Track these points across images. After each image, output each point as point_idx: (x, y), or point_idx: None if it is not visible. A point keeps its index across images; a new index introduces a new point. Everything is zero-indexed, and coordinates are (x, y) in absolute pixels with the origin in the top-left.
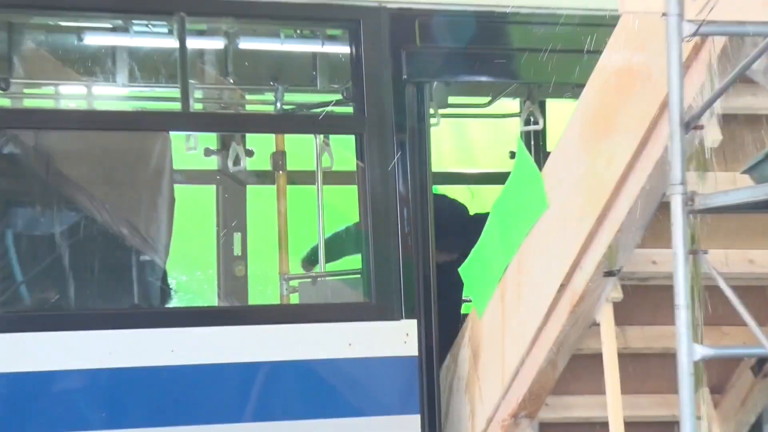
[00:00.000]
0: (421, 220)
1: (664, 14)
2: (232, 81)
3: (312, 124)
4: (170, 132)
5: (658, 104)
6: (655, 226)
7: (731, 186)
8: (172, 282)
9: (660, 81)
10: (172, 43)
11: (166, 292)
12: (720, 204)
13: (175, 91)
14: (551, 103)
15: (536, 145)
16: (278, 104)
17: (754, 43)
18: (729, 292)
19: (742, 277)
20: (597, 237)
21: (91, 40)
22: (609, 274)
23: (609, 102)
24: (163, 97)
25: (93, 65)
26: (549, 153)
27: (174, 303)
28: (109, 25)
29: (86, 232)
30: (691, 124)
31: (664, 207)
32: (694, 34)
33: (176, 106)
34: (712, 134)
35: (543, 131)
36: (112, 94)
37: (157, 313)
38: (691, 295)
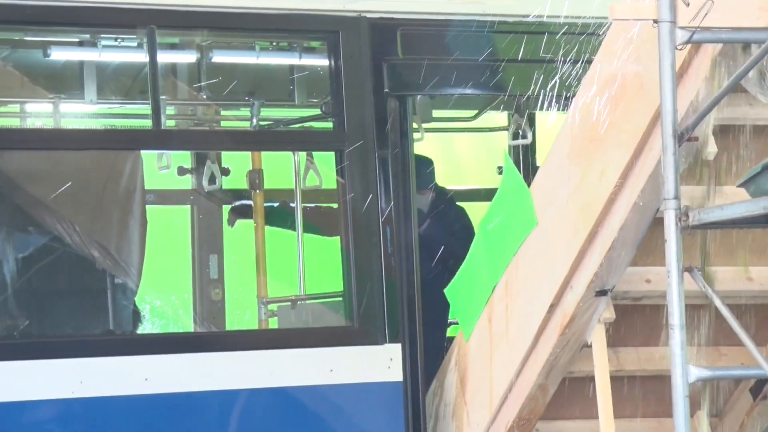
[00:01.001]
0: (405, 239)
1: (655, 21)
2: (205, 96)
3: (290, 140)
4: (141, 150)
5: (651, 116)
6: (648, 242)
7: (727, 200)
8: (145, 307)
9: (652, 91)
10: (143, 57)
11: (139, 318)
12: (715, 219)
13: (146, 108)
14: (540, 116)
15: (525, 160)
16: (254, 120)
17: (749, 51)
18: (725, 312)
19: (740, 295)
20: (588, 255)
21: (58, 55)
22: (601, 293)
23: (599, 114)
24: (133, 114)
25: (60, 81)
26: (538, 168)
27: (148, 329)
28: (76, 40)
29: (54, 256)
30: (684, 136)
31: (658, 223)
32: (687, 42)
33: (147, 123)
34: (707, 146)
35: (532, 145)
36: (80, 112)
37: (129, 339)
38: (687, 315)
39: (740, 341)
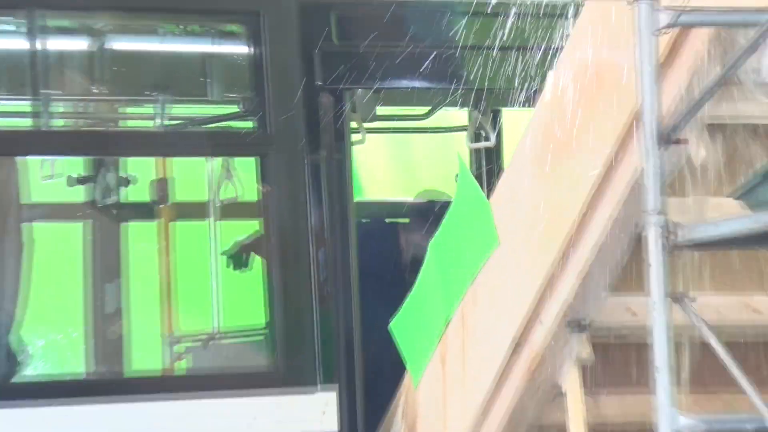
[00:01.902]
0: (342, 263)
1: (631, 1)
2: (100, 91)
3: (202, 144)
4: (19, 156)
5: (630, 113)
6: (631, 266)
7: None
8: (24, 348)
9: (632, 85)
10: (22, 44)
11: (15, 361)
12: (708, 238)
13: (27, 105)
14: (506, 114)
15: (488, 166)
16: (160, 119)
17: (746, 36)
18: (721, 351)
19: (742, 330)
20: (559, 281)
21: None
22: (576, 327)
23: (571, 111)
24: (11, 111)
25: None
26: None
27: (28, 374)
28: None
29: None
30: (670, 138)
31: (643, 242)
32: (672, 25)
33: (27, 123)
34: (696, 150)
35: (497, 148)
36: None
37: (3, 388)
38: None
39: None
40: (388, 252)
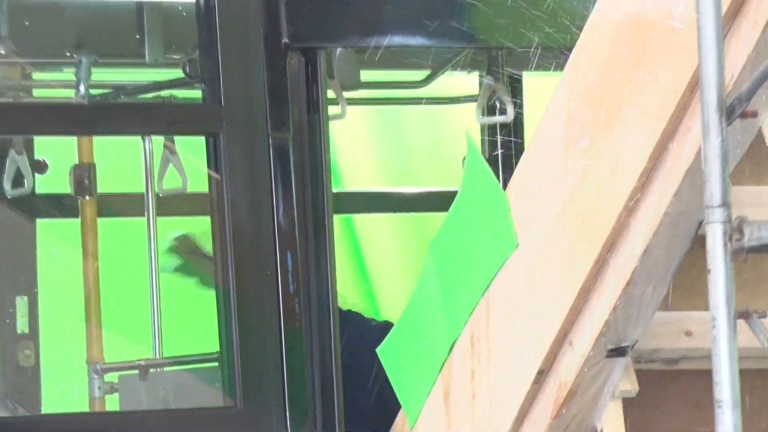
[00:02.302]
0: (317, 270)
1: None
2: (4, 51)
3: (136, 119)
4: None
5: (686, 81)
6: (689, 274)
7: None
8: None
9: (687, 45)
10: None
11: None
12: None
13: None
14: (529, 80)
15: (504, 147)
16: (82, 87)
17: None
18: None
19: None
20: (595, 294)
21: None
22: (616, 353)
23: (610, 75)
24: None
25: None
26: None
27: None
28: None
29: None
30: (736, 110)
31: (702, 243)
32: None
33: None
34: None
35: (515, 124)
36: None
37: None
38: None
39: None
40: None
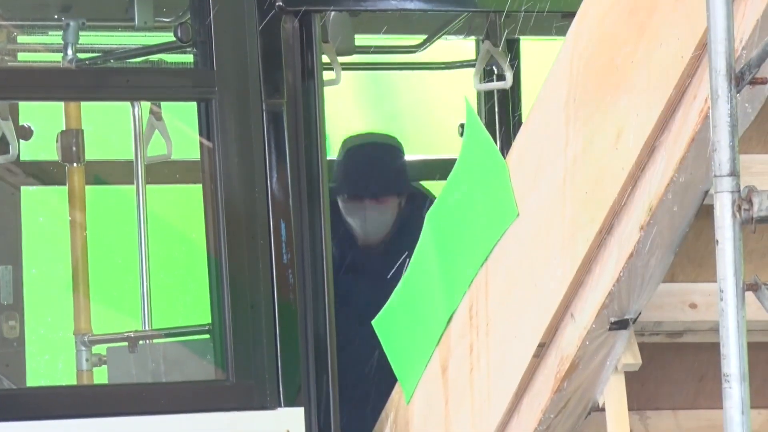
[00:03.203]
0: (312, 240)
1: None
2: None
3: (125, 84)
4: None
5: (694, 44)
6: (694, 245)
7: None
8: None
9: (696, 4)
10: None
11: None
12: None
13: None
14: (531, 45)
15: (501, 114)
16: (69, 51)
17: None
18: None
19: None
20: (597, 264)
21: None
22: (619, 325)
23: (614, 41)
24: None
25: None
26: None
27: None
28: None
29: None
30: (746, 77)
31: (711, 214)
32: None
33: None
34: None
35: (516, 90)
36: None
37: None
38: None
39: None
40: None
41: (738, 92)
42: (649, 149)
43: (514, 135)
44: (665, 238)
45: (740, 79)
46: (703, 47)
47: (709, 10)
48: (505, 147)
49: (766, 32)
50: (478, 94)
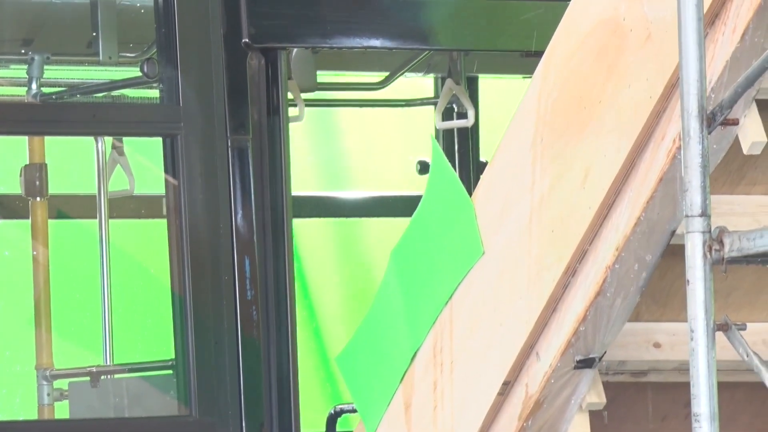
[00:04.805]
0: (276, 275)
1: None
2: None
3: (89, 119)
4: None
5: (663, 85)
6: (659, 284)
7: None
8: None
9: (666, 46)
10: None
11: None
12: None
13: None
14: (487, 84)
15: (463, 152)
16: (34, 85)
17: None
18: None
19: None
20: (563, 304)
21: None
22: (584, 364)
23: (582, 81)
24: None
25: None
26: (485, 165)
27: None
28: None
29: None
30: (717, 118)
31: (676, 254)
32: None
33: None
34: (751, 133)
35: (474, 128)
36: None
37: None
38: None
39: None
40: None
41: (709, 133)
42: (617, 189)
43: (474, 172)
44: (631, 278)
45: (711, 120)
46: (672, 87)
47: (681, 52)
48: (465, 184)
49: (736, 74)
50: (436, 132)
